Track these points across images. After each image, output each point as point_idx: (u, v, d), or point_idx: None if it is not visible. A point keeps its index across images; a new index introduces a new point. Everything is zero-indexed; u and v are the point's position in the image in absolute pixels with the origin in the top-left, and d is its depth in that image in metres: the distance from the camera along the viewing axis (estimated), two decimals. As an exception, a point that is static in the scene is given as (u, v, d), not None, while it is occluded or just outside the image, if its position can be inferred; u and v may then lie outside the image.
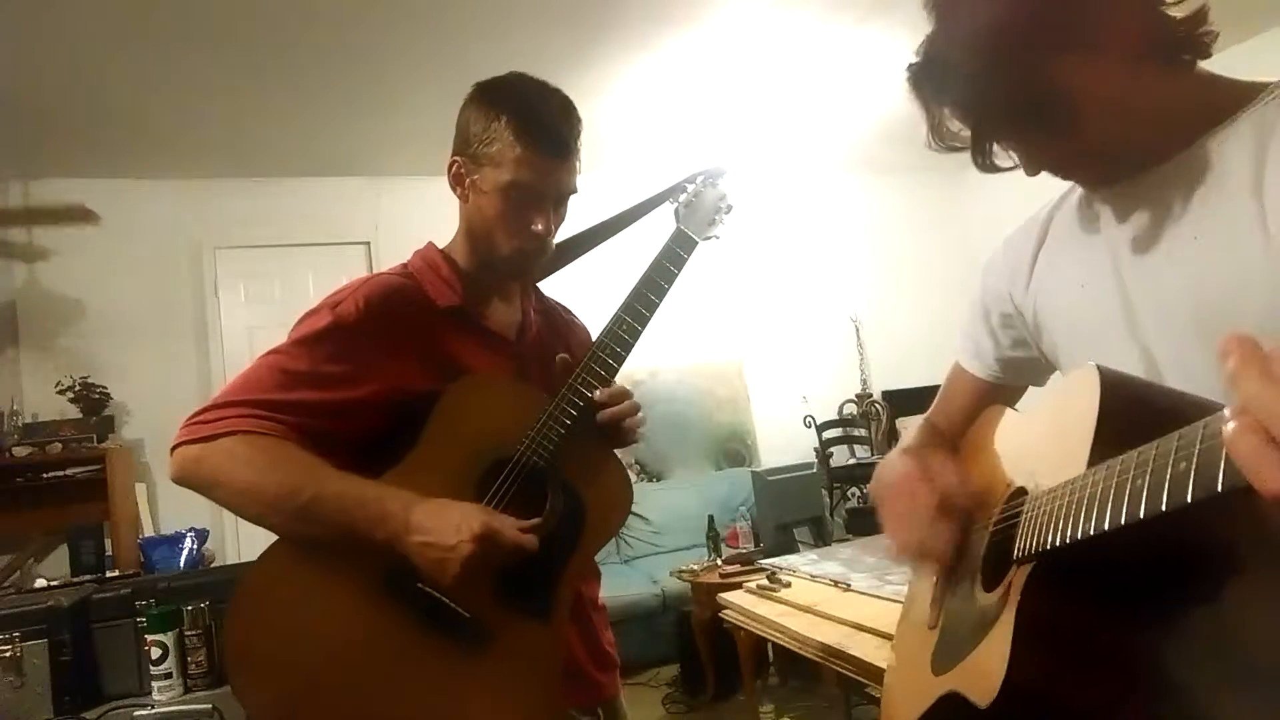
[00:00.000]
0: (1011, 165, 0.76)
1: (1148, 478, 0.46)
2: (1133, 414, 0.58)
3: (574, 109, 1.15)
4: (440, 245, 1.23)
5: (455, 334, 1.16)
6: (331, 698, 1.00)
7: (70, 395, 4.02)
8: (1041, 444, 0.73)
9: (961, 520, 0.83)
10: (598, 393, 1.11)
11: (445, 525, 0.99)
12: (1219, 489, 0.40)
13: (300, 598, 1.03)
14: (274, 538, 1.05)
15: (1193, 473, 0.42)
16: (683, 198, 1.30)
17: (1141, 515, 0.47)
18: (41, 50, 3.11)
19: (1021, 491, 0.72)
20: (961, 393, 1.02)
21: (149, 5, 2.90)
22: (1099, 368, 0.62)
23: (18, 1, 2.78)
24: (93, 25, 2.97)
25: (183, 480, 1.04)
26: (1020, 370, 0.96)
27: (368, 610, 1.02)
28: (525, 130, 1.09)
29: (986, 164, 0.76)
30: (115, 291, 4.32)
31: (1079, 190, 0.85)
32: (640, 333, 1.16)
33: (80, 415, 4.03)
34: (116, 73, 3.34)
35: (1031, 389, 1.00)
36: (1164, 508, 0.44)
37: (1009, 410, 0.91)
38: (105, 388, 4.10)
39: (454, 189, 1.18)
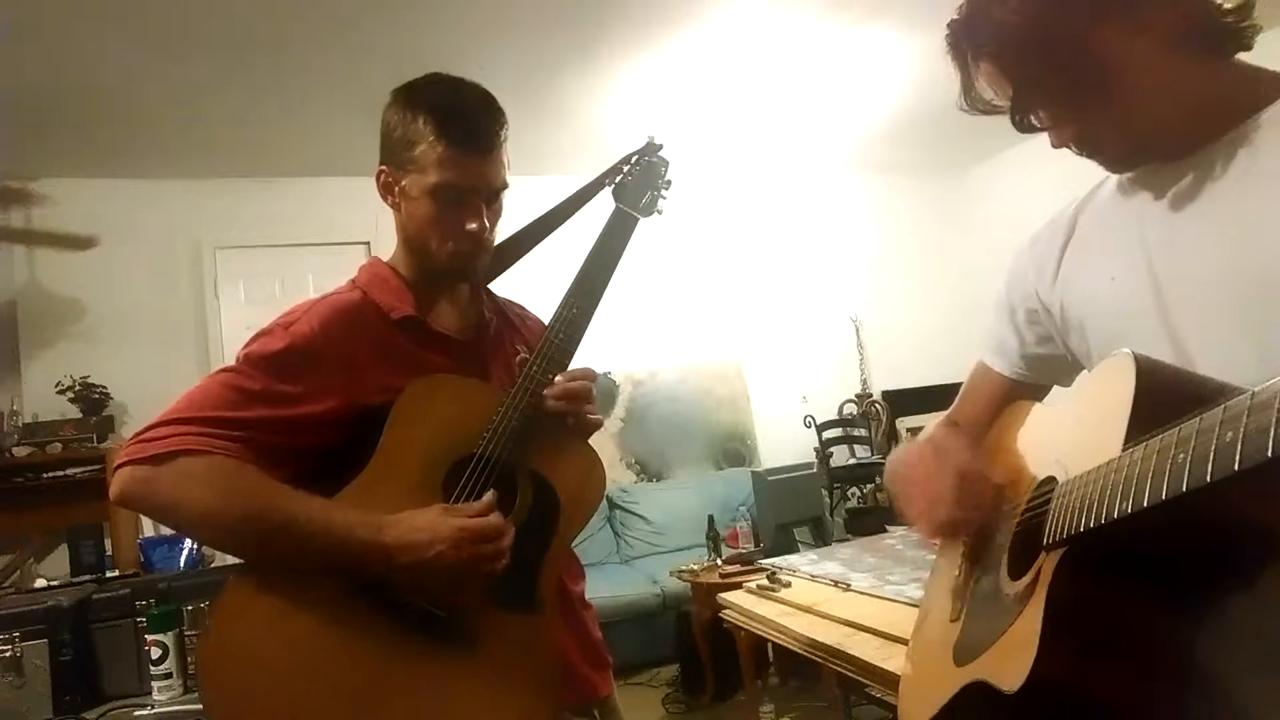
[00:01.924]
0: (1044, 127, 0.76)
1: (1190, 452, 0.46)
2: (1168, 399, 0.57)
3: (494, 102, 1.12)
4: (385, 258, 1.21)
5: (413, 344, 1.13)
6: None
7: (70, 395, 4.02)
8: (1073, 432, 0.72)
9: (984, 493, 0.82)
10: (555, 379, 1.10)
11: (418, 539, 0.97)
12: (1269, 454, 0.39)
13: (272, 625, 0.96)
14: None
15: (1240, 441, 0.41)
16: (619, 179, 1.31)
17: (1185, 488, 0.46)
18: (41, 50, 3.11)
19: (1049, 481, 0.72)
20: (984, 391, 1.00)
21: (148, 5, 2.90)
22: (1134, 354, 0.61)
23: (18, 1, 2.78)
24: (92, 25, 2.97)
25: (127, 502, 0.96)
26: (1045, 368, 0.95)
27: (348, 627, 0.97)
28: (446, 128, 1.06)
29: (1024, 123, 0.75)
30: (115, 291, 4.32)
31: (1106, 186, 0.85)
32: (591, 314, 1.15)
33: (80, 415, 4.03)
34: (116, 73, 3.34)
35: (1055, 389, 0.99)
36: (1209, 478, 0.44)
37: (1034, 406, 0.90)
38: (105, 388, 4.10)
39: (384, 199, 1.16)
